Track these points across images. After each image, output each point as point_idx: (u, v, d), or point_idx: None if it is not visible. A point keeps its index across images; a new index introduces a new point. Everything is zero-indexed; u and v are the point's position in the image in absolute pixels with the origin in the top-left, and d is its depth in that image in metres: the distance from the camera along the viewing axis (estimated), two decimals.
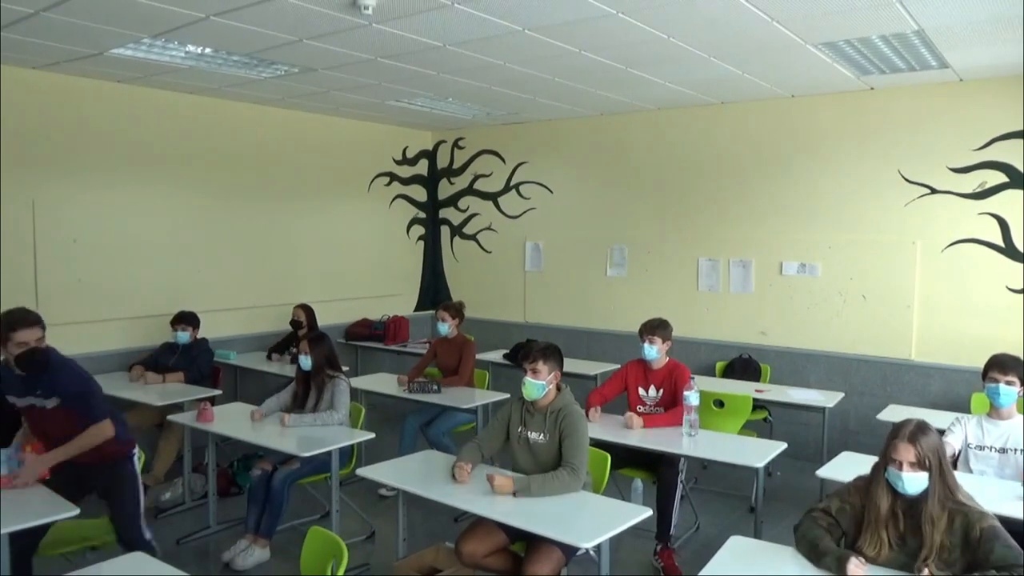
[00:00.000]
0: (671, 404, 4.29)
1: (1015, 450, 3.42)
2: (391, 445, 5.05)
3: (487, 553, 3.21)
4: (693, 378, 4.21)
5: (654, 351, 4.34)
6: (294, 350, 5.71)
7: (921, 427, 2.48)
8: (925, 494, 2.41)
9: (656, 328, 4.37)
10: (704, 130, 6.37)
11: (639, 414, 4.26)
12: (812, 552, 2.51)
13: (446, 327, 5.43)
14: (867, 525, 2.50)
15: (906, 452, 2.42)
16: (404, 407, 5.39)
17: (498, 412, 3.62)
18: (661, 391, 4.35)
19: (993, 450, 3.47)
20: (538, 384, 3.36)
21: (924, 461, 2.40)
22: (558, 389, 3.44)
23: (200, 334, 5.54)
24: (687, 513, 4.64)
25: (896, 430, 2.49)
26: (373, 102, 6.33)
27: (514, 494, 3.13)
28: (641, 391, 4.42)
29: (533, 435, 3.41)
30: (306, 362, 4.36)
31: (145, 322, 5.72)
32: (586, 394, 5.02)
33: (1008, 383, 3.45)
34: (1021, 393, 3.48)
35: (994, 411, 3.52)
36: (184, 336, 5.43)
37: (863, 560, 2.38)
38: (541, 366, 3.36)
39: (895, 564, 2.44)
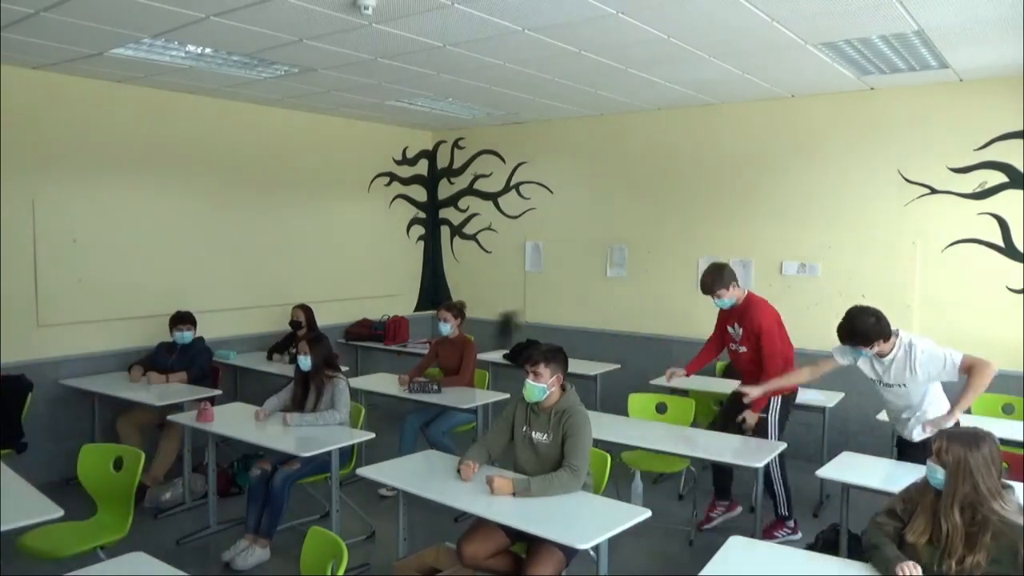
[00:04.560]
0: (753, 343, 4.35)
1: (900, 384, 3.69)
2: (391, 445, 5.04)
3: (489, 555, 3.20)
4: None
5: (724, 302, 4.40)
6: (293, 350, 5.71)
7: (963, 434, 2.54)
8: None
9: (714, 283, 4.35)
10: (704, 130, 6.37)
11: (732, 352, 4.55)
12: (875, 557, 2.54)
13: (448, 327, 5.42)
14: (916, 514, 2.56)
15: (936, 443, 2.53)
16: (404, 407, 5.39)
17: (503, 412, 3.61)
18: (741, 329, 4.42)
19: (885, 385, 3.75)
20: (539, 387, 3.34)
21: (944, 459, 2.48)
22: (563, 390, 3.43)
23: (198, 334, 5.54)
24: (686, 512, 4.65)
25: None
26: (373, 102, 6.33)
27: (513, 495, 3.13)
28: (729, 329, 4.51)
29: (537, 435, 3.40)
30: (305, 362, 4.36)
31: (145, 322, 5.72)
32: (585, 394, 5.03)
33: (855, 348, 3.66)
34: (870, 350, 3.63)
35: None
36: (187, 336, 5.42)
37: (914, 566, 2.40)
38: (543, 369, 3.33)
39: (932, 558, 2.47)
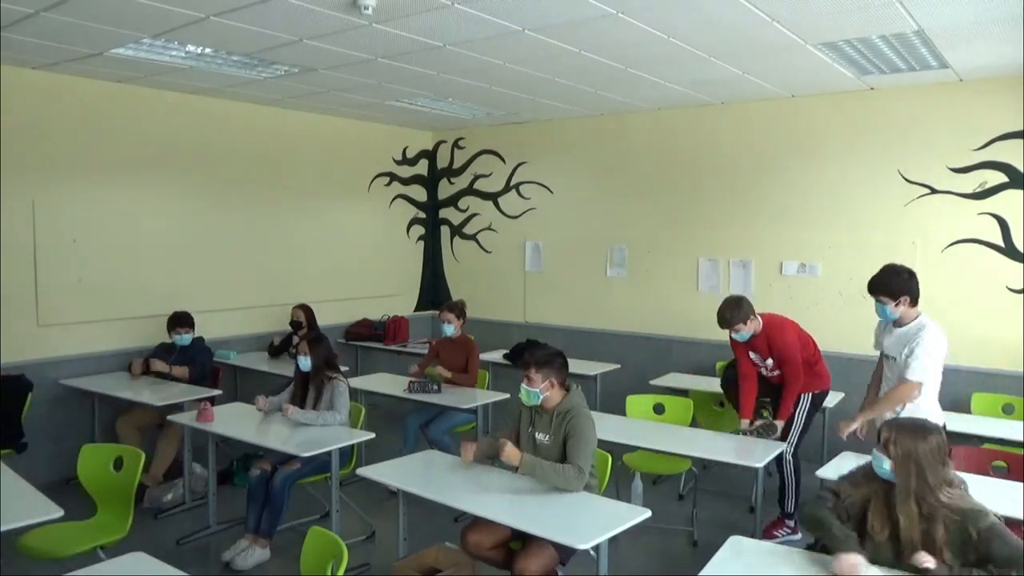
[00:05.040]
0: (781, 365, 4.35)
1: (894, 358, 3.71)
2: (391, 445, 5.04)
3: (491, 546, 3.25)
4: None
5: (743, 335, 4.34)
6: (294, 351, 5.70)
7: (911, 426, 2.53)
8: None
9: (733, 318, 4.29)
10: (704, 130, 6.37)
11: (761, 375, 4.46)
12: (826, 536, 2.54)
13: (452, 328, 5.38)
14: (871, 508, 2.56)
15: (883, 433, 2.54)
16: (404, 407, 5.39)
17: (512, 412, 3.67)
18: (770, 359, 4.37)
19: (887, 357, 3.80)
20: (532, 391, 3.40)
21: (888, 448, 2.49)
22: (567, 391, 3.46)
23: (197, 334, 5.52)
24: (686, 512, 4.65)
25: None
26: (373, 102, 6.33)
27: (516, 469, 3.22)
28: (755, 358, 4.44)
29: (540, 436, 3.44)
30: (305, 363, 4.36)
31: (145, 322, 5.72)
32: (585, 394, 5.00)
33: (878, 300, 3.70)
34: (893, 306, 3.67)
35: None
36: (186, 338, 5.40)
37: (859, 560, 2.40)
38: (534, 374, 3.40)
39: (893, 550, 2.48)
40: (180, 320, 5.43)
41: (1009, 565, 2.24)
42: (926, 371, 3.58)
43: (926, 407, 3.66)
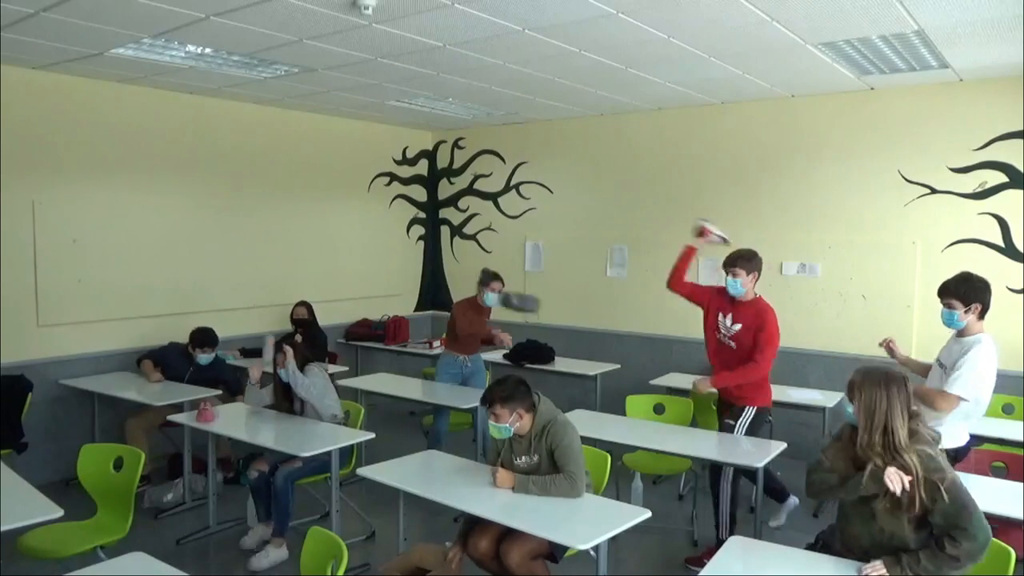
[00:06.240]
0: (748, 344, 4.08)
1: (942, 366, 3.55)
2: (391, 445, 5.03)
3: (495, 552, 3.20)
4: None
5: (738, 285, 4.10)
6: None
7: (878, 372, 2.60)
8: None
9: (738, 260, 4.10)
10: (704, 130, 6.37)
11: (716, 343, 4.26)
12: (848, 486, 2.58)
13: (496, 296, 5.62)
14: (841, 446, 2.71)
15: (853, 377, 2.66)
16: (404, 407, 5.38)
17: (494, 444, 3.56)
18: (740, 325, 4.11)
19: (940, 364, 3.62)
20: (502, 427, 3.32)
21: (851, 393, 2.62)
22: (533, 408, 3.36)
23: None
24: (686, 512, 4.65)
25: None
26: (373, 102, 6.33)
27: (513, 489, 3.18)
28: (720, 316, 4.22)
29: (521, 460, 3.38)
30: (291, 376, 4.37)
31: (145, 322, 5.72)
32: (585, 394, 4.99)
33: (947, 306, 3.54)
34: (962, 313, 3.51)
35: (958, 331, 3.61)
36: (209, 357, 5.37)
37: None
38: (500, 410, 3.30)
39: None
40: (207, 339, 5.35)
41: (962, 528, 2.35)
42: (967, 387, 3.36)
43: (950, 426, 3.42)
